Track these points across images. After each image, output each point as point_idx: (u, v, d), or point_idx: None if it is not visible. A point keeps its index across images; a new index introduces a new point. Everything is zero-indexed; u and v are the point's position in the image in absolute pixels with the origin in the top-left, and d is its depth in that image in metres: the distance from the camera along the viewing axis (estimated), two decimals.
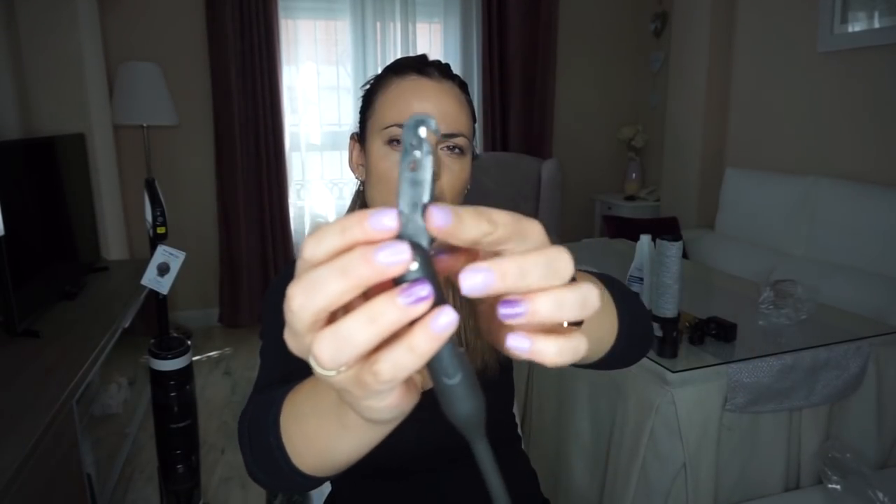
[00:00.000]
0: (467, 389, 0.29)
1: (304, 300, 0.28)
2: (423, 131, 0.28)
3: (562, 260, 0.29)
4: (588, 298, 0.29)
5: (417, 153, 0.28)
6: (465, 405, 0.29)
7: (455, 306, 0.87)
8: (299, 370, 0.53)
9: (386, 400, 0.32)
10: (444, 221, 0.27)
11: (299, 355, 0.31)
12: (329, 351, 0.27)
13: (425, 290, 0.27)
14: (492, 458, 0.31)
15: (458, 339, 0.80)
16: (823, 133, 2.89)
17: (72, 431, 1.36)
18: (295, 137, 3.71)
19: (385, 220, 0.27)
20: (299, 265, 0.29)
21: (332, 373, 0.30)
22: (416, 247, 0.27)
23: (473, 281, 0.27)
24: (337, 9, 3.65)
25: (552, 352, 0.29)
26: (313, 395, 0.48)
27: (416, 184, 0.28)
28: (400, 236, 0.28)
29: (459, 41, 3.90)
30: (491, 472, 0.31)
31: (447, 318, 0.27)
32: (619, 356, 0.59)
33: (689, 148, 3.57)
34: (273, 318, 0.81)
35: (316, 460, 0.49)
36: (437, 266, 0.30)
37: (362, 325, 0.27)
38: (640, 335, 0.65)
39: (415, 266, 0.27)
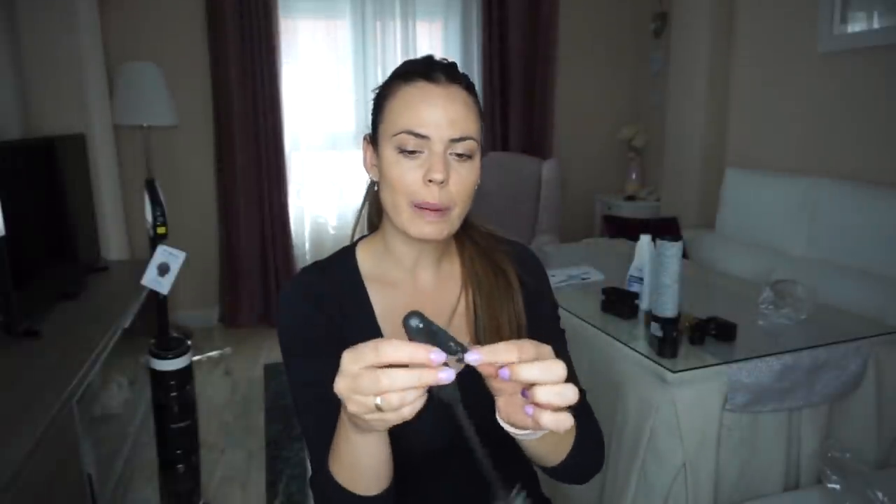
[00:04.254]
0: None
1: (387, 384, 0.49)
2: (414, 322, 0.52)
3: (557, 366, 0.53)
4: (566, 391, 0.53)
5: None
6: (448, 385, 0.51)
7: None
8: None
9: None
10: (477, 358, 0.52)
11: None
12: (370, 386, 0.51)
13: (452, 376, 0.50)
14: (470, 423, 0.55)
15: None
16: (823, 133, 2.89)
17: (72, 431, 1.36)
18: (295, 137, 3.70)
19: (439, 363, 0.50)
20: (363, 350, 0.51)
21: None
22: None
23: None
24: (337, 9, 3.65)
25: (547, 419, 0.54)
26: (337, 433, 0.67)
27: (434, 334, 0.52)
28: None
29: (460, 41, 3.90)
30: (472, 436, 0.55)
31: (446, 375, 0.50)
32: (573, 466, 0.77)
33: (689, 148, 3.57)
34: (300, 356, 0.79)
35: (351, 475, 0.67)
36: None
37: (410, 376, 0.49)
38: (592, 447, 0.86)
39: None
